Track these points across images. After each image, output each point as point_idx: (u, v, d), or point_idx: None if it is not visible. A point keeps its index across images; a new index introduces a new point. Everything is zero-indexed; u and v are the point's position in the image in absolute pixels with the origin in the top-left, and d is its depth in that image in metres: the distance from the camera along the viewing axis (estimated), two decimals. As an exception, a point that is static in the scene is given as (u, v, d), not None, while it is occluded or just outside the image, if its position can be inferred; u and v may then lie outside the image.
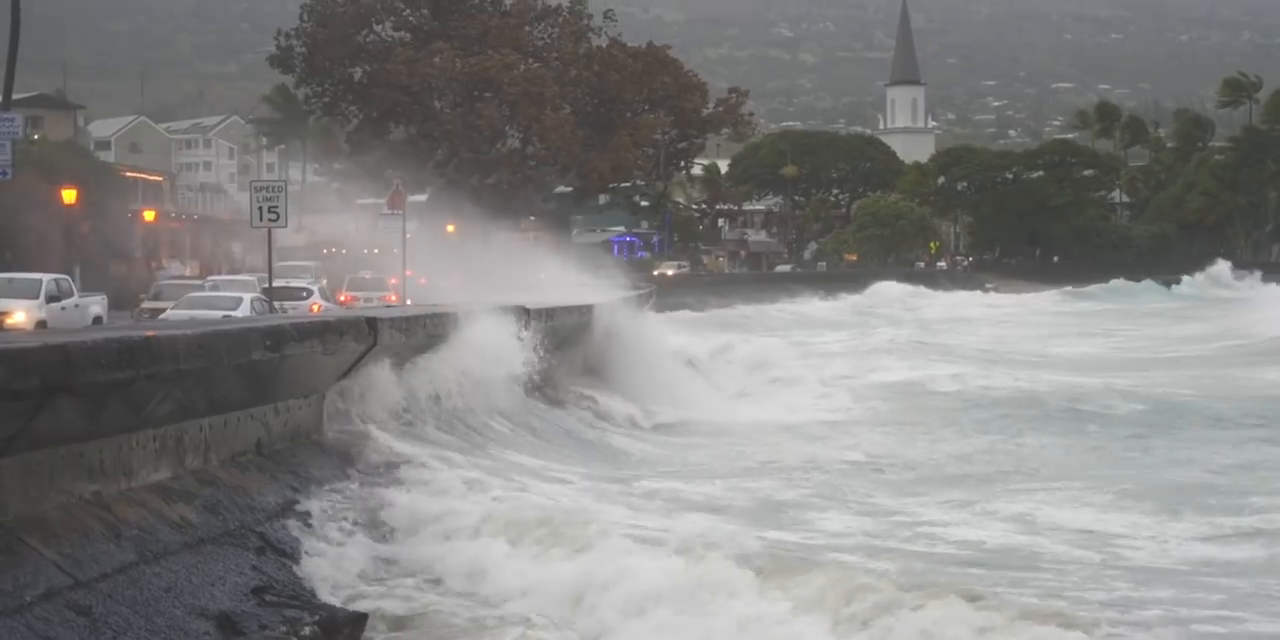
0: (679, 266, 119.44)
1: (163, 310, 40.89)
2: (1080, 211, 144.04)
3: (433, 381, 21.99)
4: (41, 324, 33.59)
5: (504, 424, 24.16)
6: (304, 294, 46.13)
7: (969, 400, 35.25)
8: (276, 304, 39.52)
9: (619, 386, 32.21)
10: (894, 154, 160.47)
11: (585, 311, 28.68)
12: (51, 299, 36.35)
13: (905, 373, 42.14)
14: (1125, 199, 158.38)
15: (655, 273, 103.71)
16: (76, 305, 38.30)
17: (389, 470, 17.42)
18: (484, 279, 73.04)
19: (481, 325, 23.80)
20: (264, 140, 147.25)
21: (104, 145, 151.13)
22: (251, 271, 62.93)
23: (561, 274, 60.21)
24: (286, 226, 38.80)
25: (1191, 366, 47.69)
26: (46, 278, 37.65)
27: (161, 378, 12.09)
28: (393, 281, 54.90)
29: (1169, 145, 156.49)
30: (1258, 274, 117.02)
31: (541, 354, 26.22)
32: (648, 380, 32.73)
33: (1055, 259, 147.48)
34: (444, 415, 21.92)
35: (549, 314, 25.05)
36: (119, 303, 47.49)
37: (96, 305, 40.26)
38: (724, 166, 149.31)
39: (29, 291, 35.19)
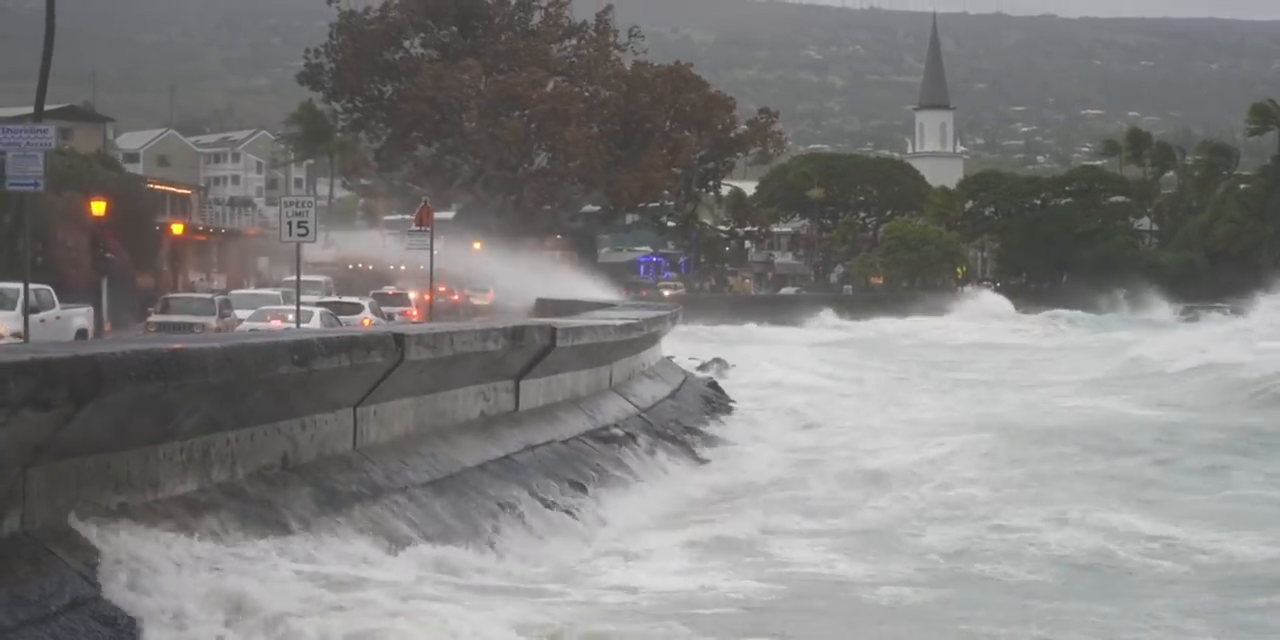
0: (675, 288, 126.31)
1: (174, 323, 41.22)
2: (1108, 238, 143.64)
3: None
4: (17, 337, 32.40)
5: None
6: (358, 309, 49.58)
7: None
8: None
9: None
10: (922, 178, 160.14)
11: (611, 331, 28.56)
12: (30, 310, 35.14)
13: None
14: (1154, 226, 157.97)
15: None
16: (58, 317, 37.14)
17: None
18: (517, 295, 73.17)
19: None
20: (292, 155, 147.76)
21: (132, 158, 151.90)
22: (276, 286, 63.13)
23: (591, 291, 60.17)
24: (315, 241, 38.86)
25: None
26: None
27: (189, 390, 12.05)
28: (427, 298, 56.11)
29: (1196, 173, 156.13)
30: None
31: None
32: None
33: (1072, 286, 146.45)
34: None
35: (576, 332, 24.96)
36: (145, 315, 47.30)
37: (81, 318, 39.08)
38: (749, 190, 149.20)
39: (4, 302, 33.89)
